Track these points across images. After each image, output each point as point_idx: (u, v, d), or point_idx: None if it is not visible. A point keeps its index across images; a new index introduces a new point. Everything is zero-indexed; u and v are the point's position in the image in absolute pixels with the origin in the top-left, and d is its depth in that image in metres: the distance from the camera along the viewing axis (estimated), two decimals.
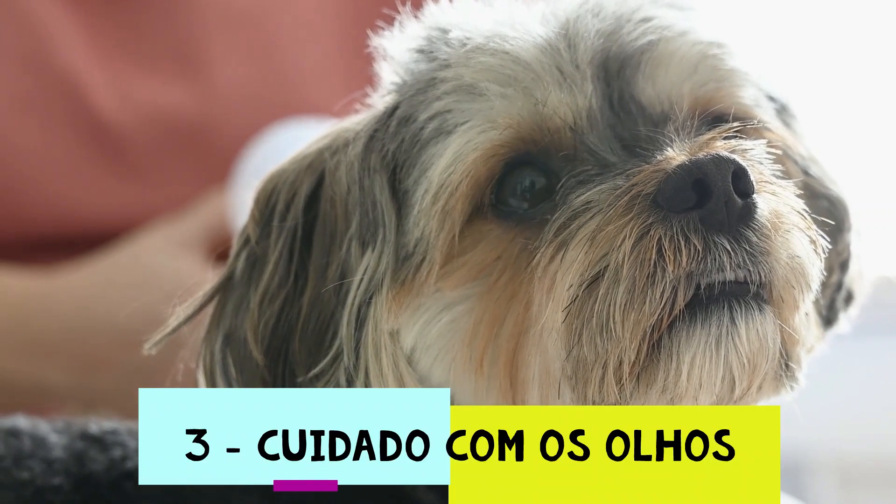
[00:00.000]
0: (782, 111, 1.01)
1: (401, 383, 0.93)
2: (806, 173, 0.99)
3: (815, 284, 0.89)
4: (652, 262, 0.84)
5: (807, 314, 0.91)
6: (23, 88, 1.56)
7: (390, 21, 1.00)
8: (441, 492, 0.92)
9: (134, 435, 1.01)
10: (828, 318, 1.01)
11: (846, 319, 1.04)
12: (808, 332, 0.92)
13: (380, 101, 0.99)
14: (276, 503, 0.93)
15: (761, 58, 1.00)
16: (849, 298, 1.03)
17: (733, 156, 0.85)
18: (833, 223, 0.96)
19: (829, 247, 0.91)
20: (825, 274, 0.91)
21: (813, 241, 0.89)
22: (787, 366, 0.89)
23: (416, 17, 1.00)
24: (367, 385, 0.92)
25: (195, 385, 0.97)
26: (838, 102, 2.82)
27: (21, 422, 1.03)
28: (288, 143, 1.36)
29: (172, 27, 1.62)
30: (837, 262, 1.00)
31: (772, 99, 1.00)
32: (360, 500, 0.92)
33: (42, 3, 1.57)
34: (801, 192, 0.92)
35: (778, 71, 1.02)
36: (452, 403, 0.93)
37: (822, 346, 1.00)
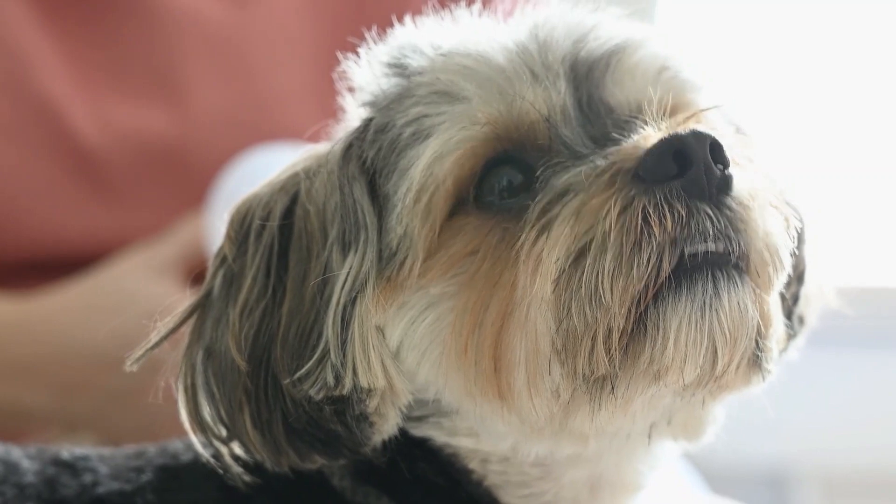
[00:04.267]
0: (737, 131, 1.03)
1: (388, 378, 0.93)
2: None
3: (787, 265, 0.91)
4: (638, 229, 0.85)
5: (779, 297, 0.92)
6: (1, 113, 1.55)
7: (368, 46, 1.01)
8: (357, 478, 0.95)
9: (105, 461, 1.01)
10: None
11: (795, 349, 1.05)
12: (778, 321, 0.93)
13: (353, 116, 1.00)
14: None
15: (717, 80, 1.02)
16: (801, 321, 1.05)
17: (710, 131, 0.87)
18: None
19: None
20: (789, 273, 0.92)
21: (786, 220, 0.91)
22: (761, 349, 0.90)
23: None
24: (355, 381, 0.92)
25: (174, 406, 0.96)
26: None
27: None
28: (263, 168, 1.36)
29: (151, 52, 1.63)
30: (795, 274, 1.01)
31: (727, 119, 1.02)
32: (285, 490, 0.95)
33: (20, 28, 1.58)
34: None
35: (732, 92, 1.04)
36: (441, 401, 0.95)
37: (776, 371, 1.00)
